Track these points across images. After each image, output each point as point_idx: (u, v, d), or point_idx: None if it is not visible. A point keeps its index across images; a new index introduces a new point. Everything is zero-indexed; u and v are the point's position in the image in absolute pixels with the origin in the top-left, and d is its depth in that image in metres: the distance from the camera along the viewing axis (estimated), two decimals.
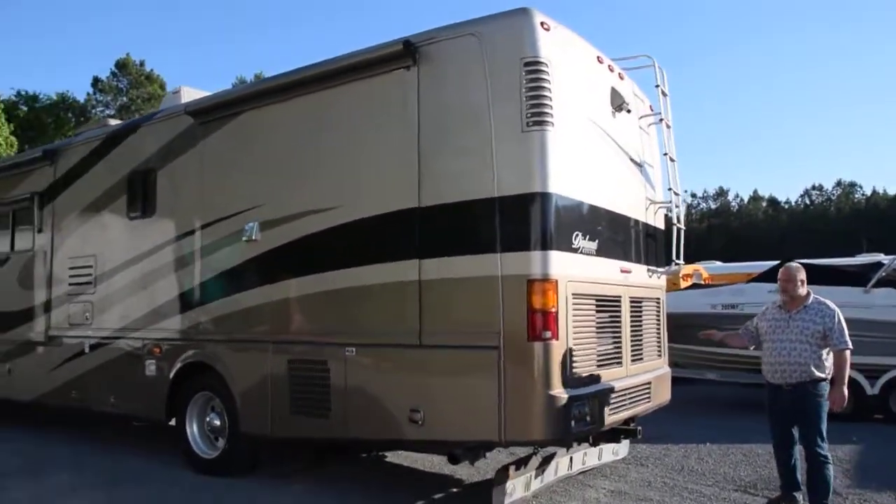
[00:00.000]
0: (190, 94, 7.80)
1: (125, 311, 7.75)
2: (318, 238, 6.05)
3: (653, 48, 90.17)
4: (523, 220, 5.01)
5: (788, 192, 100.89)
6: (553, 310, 4.94)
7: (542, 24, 5.17)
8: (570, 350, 5.10)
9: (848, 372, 5.57)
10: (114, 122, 9.12)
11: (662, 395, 6.71)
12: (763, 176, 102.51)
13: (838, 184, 63.33)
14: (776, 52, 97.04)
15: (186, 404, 7.07)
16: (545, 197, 5.00)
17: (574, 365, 5.14)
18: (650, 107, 7.06)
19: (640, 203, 6.51)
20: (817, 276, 11.21)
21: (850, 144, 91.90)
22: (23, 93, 43.00)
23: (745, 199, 65.48)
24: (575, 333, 5.18)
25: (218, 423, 6.86)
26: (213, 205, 6.92)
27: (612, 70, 6.22)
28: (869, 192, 61.39)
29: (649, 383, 6.34)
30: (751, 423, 9.34)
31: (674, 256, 6.76)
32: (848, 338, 5.55)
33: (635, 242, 6.36)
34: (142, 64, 43.10)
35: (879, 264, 11.28)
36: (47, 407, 8.97)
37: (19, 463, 7.51)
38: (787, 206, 63.63)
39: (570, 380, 5.06)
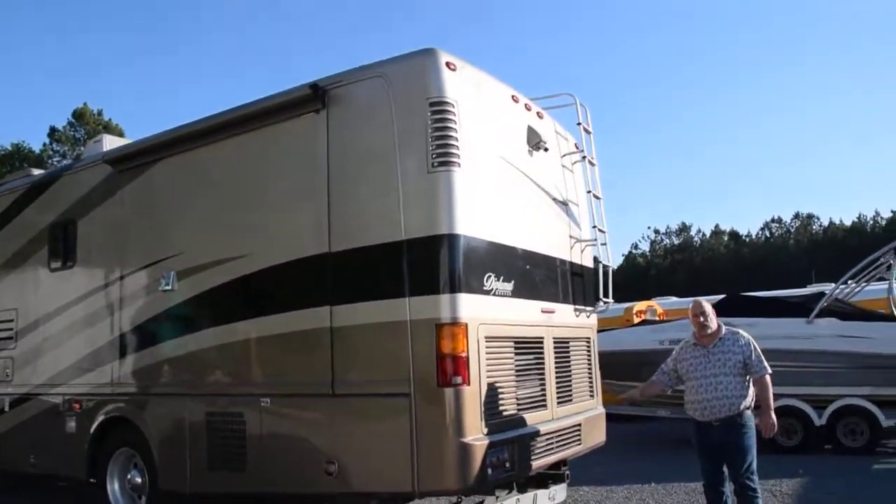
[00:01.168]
0: (112, 143, 7.67)
1: (45, 366, 7.48)
2: (231, 287, 5.91)
3: (611, 79, 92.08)
4: (430, 263, 4.92)
5: (749, 225, 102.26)
6: (463, 354, 4.82)
7: (447, 63, 5.16)
8: (485, 395, 4.97)
9: (772, 396, 5.52)
10: (37, 171, 8.94)
11: (595, 436, 6.59)
12: (724, 210, 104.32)
13: (796, 216, 64.70)
14: (737, 88, 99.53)
15: (108, 461, 6.79)
16: (452, 238, 4.92)
17: (490, 410, 5.00)
18: (575, 145, 7.07)
19: (563, 242, 6.46)
20: (761, 309, 11.34)
21: (806, 176, 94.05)
22: None
23: (707, 234, 66.57)
24: (490, 377, 5.06)
25: (139, 480, 6.58)
26: (133, 254, 6.75)
27: (528, 109, 6.23)
28: (826, 223, 62.76)
29: (579, 425, 6.21)
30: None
31: (601, 295, 6.71)
32: (766, 363, 5.52)
33: (559, 282, 6.29)
34: (99, 113, 42.73)
35: (822, 294, 11.39)
36: None
37: None
38: (748, 240, 64.68)
39: (485, 426, 4.93)
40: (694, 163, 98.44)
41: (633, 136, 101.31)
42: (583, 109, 6.81)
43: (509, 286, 5.42)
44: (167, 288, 6.34)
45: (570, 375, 6.27)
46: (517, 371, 5.46)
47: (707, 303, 5.80)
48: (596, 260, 6.83)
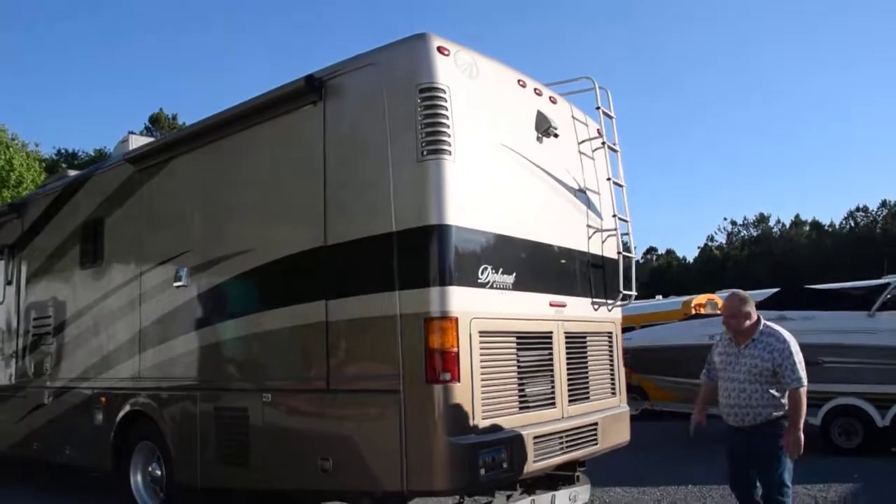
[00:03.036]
0: (137, 142, 7.80)
1: (77, 361, 7.70)
2: (235, 282, 5.91)
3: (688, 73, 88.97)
4: (420, 256, 4.75)
5: (832, 214, 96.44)
6: (453, 349, 4.63)
7: (439, 48, 4.96)
8: (479, 392, 4.76)
9: (804, 413, 4.86)
10: (73, 172, 9.22)
11: (616, 436, 6.26)
12: (805, 200, 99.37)
13: (883, 204, 60.90)
14: (821, 71, 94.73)
15: (131, 454, 6.90)
16: (442, 230, 4.73)
17: (484, 408, 4.79)
18: (598, 130, 6.74)
19: (578, 232, 6.15)
20: (820, 301, 10.65)
21: (894, 162, 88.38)
22: (63, 151, 44.79)
23: (787, 225, 63.69)
24: (485, 374, 4.84)
25: (159, 473, 6.66)
26: (151, 251, 6.84)
27: (539, 93, 5.95)
28: None
29: (595, 424, 5.91)
30: None
31: (621, 287, 6.38)
32: (802, 373, 4.84)
33: (573, 274, 6.00)
34: (174, 118, 44.42)
35: (885, 286, 10.59)
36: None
37: None
38: (830, 230, 61.53)
39: (478, 424, 4.72)
40: (771, 150, 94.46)
41: (704, 122, 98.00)
42: (602, 93, 6.51)
43: (510, 278, 5.18)
44: (180, 284, 6.39)
45: (585, 372, 5.97)
46: (520, 367, 5.21)
47: (745, 300, 5.08)
48: (620, 251, 6.50)
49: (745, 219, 66.66)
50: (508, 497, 5.69)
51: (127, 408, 6.88)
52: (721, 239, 66.97)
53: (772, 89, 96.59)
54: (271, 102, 5.69)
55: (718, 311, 14.93)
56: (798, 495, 6.83)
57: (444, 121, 4.84)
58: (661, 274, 66.27)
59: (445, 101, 4.87)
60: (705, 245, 66.94)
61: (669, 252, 72.28)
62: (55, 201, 8.43)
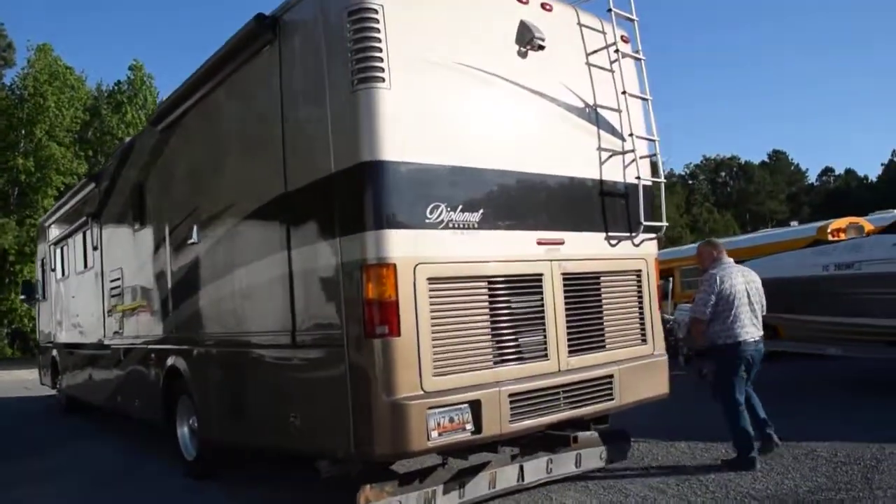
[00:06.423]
0: None
1: (137, 320, 8.06)
2: (224, 238, 5.83)
3: None
4: (355, 197, 4.31)
5: None
6: (391, 299, 4.17)
7: None
8: (427, 346, 4.26)
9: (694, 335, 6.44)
10: (129, 139, 9.56)
11: (643, 389, 5.49)
12: None
13: None
14: None
15: (175, 407, 7.13)
16: (376, 167, 4.24)
17: (437, 364, 4.29)
18: (622, 37, 5.80)
19: (585, 157, 5.36)
20: None
21: None
22: None
23: None
24: (438, 325, 4.32)
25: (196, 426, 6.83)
26: (174, 211, 6.90)
27: (523, 1, 5.17)
28: None
29: (610, 377, 5.21)
30: (863, 411, 7.58)
31: (641, 218, 5.53)
32: (694, 306, 6.16)
33: (576, 206, 5.25)
34: None
35: None
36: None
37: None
38: None
39: (429, 382, 4.24)
40: None
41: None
42: None
43: (474, 216, 4.58)
44: (192, 241, 6.38)
45: (598, 317, 5.27)
46: (494, 315, 4.63)
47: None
48: (640, 175, 5.62)
49: None
50: (514, 457, 5.22)
51: (167, 363, 7.08)
52: None
53: None
54: (232, 51, 5.42)
55: (866, 235, 13.04)
56: None
57: (375, 44, 4.30)
58: (839, 196, 60.06)
59: (378, 22, 4.32)
60: (890, 161, 59.32)
61: (849, 172, 65.10)
62: (116, 168, 8.79)
